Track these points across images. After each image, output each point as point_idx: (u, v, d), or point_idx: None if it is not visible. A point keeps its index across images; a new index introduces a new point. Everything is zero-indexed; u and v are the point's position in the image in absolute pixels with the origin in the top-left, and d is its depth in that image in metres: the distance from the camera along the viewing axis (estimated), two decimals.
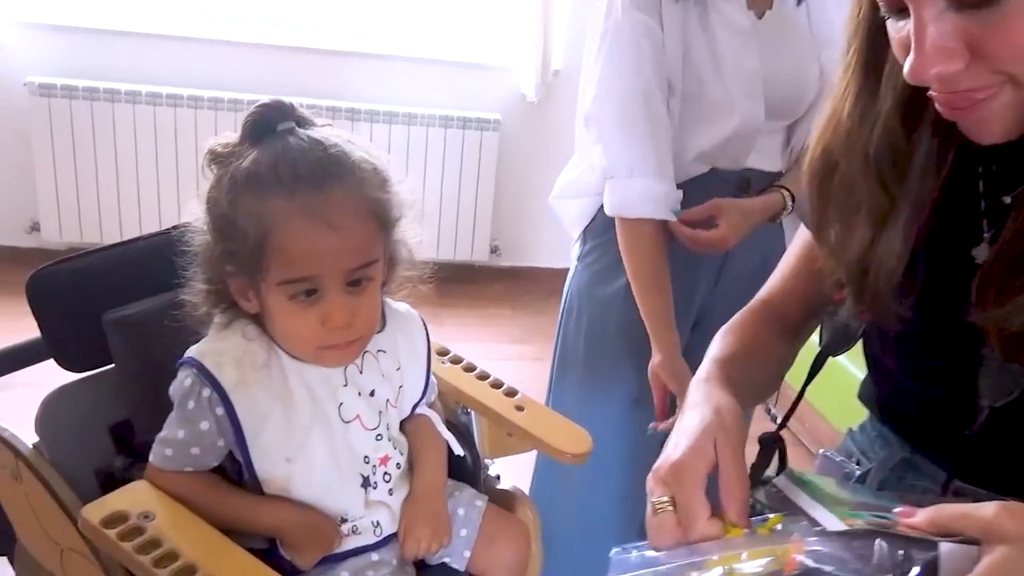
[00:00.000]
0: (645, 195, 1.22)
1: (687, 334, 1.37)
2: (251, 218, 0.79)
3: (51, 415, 0.93)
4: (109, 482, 0.93)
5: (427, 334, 0.97)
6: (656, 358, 1.28)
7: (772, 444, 0.77)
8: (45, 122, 2.94)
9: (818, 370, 0.80)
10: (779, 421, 0.82)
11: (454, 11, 3.24)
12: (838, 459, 0.80)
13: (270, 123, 0.82)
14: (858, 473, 0.78)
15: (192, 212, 0.86)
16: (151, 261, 0.96)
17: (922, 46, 0.56)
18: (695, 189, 1.27)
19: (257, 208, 0.79)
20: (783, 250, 1.32)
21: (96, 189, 3.04)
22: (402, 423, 0.95)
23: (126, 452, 0.95)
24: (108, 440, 0.96)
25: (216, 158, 0.84)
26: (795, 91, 1.27)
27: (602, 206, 1.31)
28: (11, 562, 1.04)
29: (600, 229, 1.35)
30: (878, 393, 0.79)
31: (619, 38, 1.21)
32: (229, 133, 0.86)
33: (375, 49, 3.17)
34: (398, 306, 0.96)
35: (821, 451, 0.82)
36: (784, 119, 1.30)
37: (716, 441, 0.64)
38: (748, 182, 1.29)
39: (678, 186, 1.25)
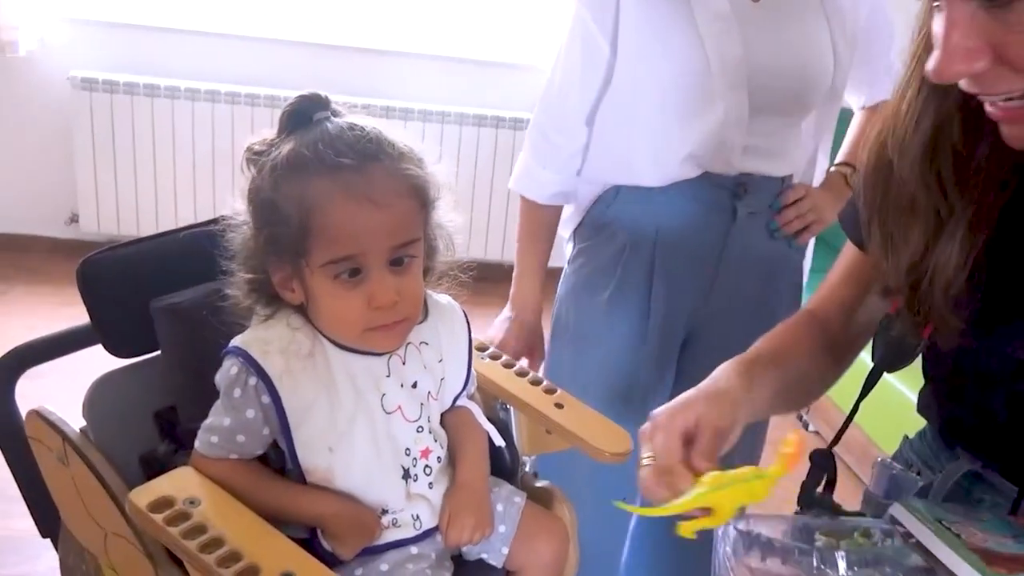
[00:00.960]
0: (540, 181, 1.28)
1: (675, 351, 1.29)
2: (293, 200, 0.80)
3: (98, 400, 0.94)
4: (153, 468, 0.94)
5: (468, 326, 0.97)
6: (512, 323, 1.32)
7: (825, 462, 0.76)
8: (87, 116, 2.99)
9: (872, 386, 0.78)
10: (831, 439, 0.80)
11: (489, 11, 3.25)
12: (896, 469, 0.78)
13: (307, 113, 0.84)
14: (920, 484, 0.76)
15: (232, 207, 0.87)
16: (199, 250, 0.96)
17: (948, 44, 0.56)
18: (687, 196, 1.20)
19: (299, 190, 0.80)
20: (797, 269, 1.29)
21: (135, 182, 3.09)
22: (442, 415, 0.95)
23: (170, 439, 0.96)
24: (152, 426, 0.97)
25: (254, 155, 0.86)
26: (796, 82, 1.17)
27: (590, 209, 1.28)
28: (55, 545, 1.05)
29: (588, 232, 1.30)
30: (939, 409, 0.77)
31: (570, 31, 1.21)
32: (267, 131, 0.87)
33: (410, 48, 3.19)
34: (440, 298, 0.96)
35: (879, 459, 0.79)
36: (786, 115, 1.19)
37: (699, 413, 0.68)
38: (745, 188, 1.19)
39: (665, 189, 1.20)
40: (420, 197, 0.84)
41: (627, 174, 1.22)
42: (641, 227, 1.22)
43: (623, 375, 1.26)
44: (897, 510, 0.65)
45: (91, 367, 0.98)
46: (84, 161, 3.05)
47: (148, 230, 3.09)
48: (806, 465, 0.77)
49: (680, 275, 1.23)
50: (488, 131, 3.17)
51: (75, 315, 1.04)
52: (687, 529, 0.66)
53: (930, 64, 0.58)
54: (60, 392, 1.02)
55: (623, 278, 1.24)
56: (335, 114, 0.85)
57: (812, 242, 1.34)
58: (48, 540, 1.07)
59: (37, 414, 0.93)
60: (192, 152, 3.06)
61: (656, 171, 1.19)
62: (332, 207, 0.79)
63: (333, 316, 0.84)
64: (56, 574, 1.69)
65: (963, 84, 0.59)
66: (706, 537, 0.70)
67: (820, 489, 0.76)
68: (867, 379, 0.78)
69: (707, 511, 0.65)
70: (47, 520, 1.04)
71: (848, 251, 0.84)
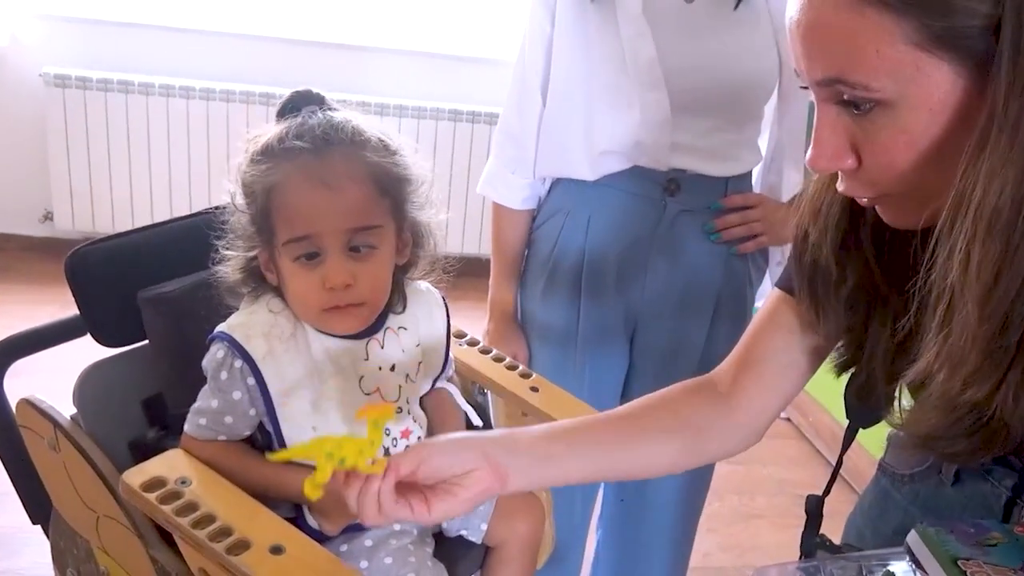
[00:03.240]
0: (510, 186, 1.29)
1: (619, 343, 1.29)
2: (260, 182, 0.85)
3: (87, 388, 0.97)
4: (142, 453, 0.97)
5: (447, 310, 1.01)
6: (489, 325, 1.34)
7: (818, 510, 0.80)
8: (59, 112, 2.97)
9: (850, 443, 0.80)
10: (823, 489, 0.82)
11: (464, 6, 3.28)
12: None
13: (297, 107, 0.88)
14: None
15: (227, 191, 0.91)
16: (184, 242, 1.00)
17: (818, 140, 0.61)
18: (618, 188, 1.21)
19: (264, 172, 0.85)
20: (740, 275, 1.25)
21: (109, 179, 3.08)
22: (422, 398, 0.99)
23: (159, 425, 0.99)
24: (141, 413, 1.00)
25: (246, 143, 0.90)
26: (723, 85, 1.15)
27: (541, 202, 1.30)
28: (46, 532, 1.08)
29: (535, 224, 1.32)
30: None
31: (528, 31, 1.23)
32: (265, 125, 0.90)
33: (385, 43, 3.20)
34: (418, 284, 0.99)
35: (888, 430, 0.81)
36: (719, 116, 1.17)
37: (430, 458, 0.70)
38: (677, 184, 1.19)
39: (598, 182, 1.21)
40: (380, 183, 0.87)
41: (564, 167, 1.24)
42: (575, 217, 1.24)
43: (562, 366, 1.28)
44: (913, 541, 0.66)
45: (75, 362, 1.00)
46: (58, 158, 3.03)
47: (124, 228, 3.09)
48: (801, 516, 0.81)
49: (609, 265, 1.23)
50: (464, 126, 3.20)
51: (52, 313, 1.07)
52: (307, 487, 0.69)
53: (806, 156, 0.63)
54: (45, 386, 1.03)
55: (556, 266, 1.27)
56: (328, 110, 0.89)
57: (778, 253, 1.30)
58: (30, 536, 1.09)
59: (28, 403, 0.96)
60: (167, 149, 3.06)
61: (585, 164, 1.21)
62: (288, 187, 0.84)
63: (295, 296, 0.88)
64: (39, 569, 1.71)
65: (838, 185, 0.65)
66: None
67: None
68: (845, 436, 0.81)
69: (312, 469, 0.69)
70: (38, 507, 1.06)
71: (772, 300, 0.83)
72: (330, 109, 0.89)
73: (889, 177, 0.61)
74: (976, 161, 0.55)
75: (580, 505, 1.38)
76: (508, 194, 1.30)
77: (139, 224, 1.05)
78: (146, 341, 1.01)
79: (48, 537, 1.07)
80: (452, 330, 1.05)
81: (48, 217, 3.15)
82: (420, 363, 0.97)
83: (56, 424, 0.93)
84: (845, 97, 0.59)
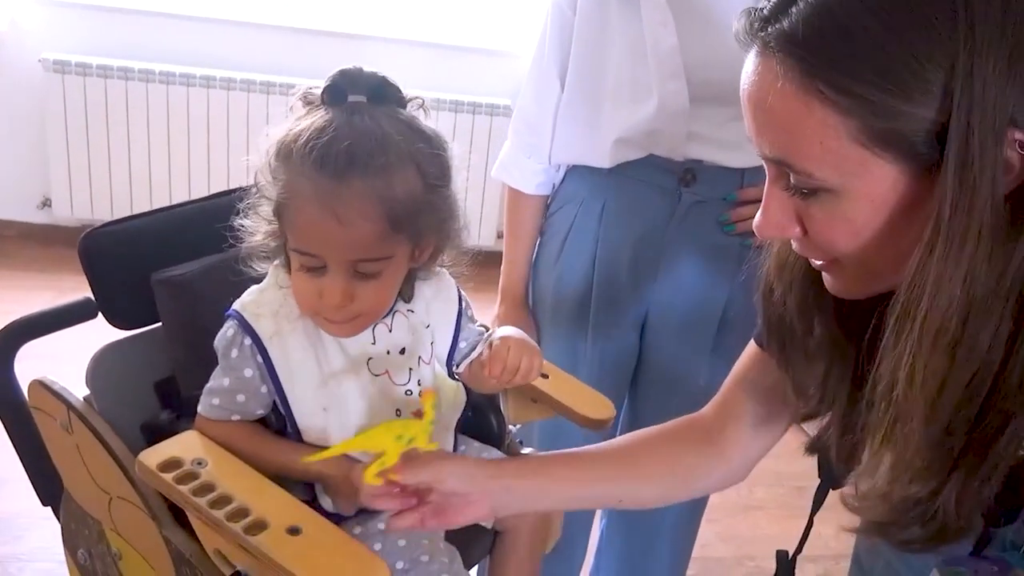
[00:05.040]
0: (525, 171, 1.29)
1: (630, 331, 1.29)
2: (278, 184, 0.82)
3: (101, 370, 0.97)
4: (154, 436, 0.96)
5: (459, 292, 0.99)
6: (499, 309, 1.35)
7: (788, 568, 0.84)
8: (59, 99, 2.95)
9: (821, 503, 0.83)
10: (794, 548, 0.86)
11: None
12: None
13: (342, 91, 0.83)
14: None
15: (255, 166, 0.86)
16: (197, 224, 1.00)
17: (765, 212, 0.64)
18: (632, 176, 1.21)
19: (284, 177, 0.82)
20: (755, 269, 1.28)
21: (108, 166, 3.06)
22: (462, 375, 1.00)
23: (171, 407, 0.99)
24: (153, 395, 1.00)
25: (306, 102, 0.85)
26: (738, 75, 1.17)
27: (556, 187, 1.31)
28: (55, 513, 1.08)
29: (548, 211, 1.33)
30: None
31: (549, 17, 1.22)
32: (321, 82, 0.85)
33: (387, 33, 3.19)
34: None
35: None
36: (736, 106, 1.19)
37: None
38: (693, 174, 1.18)
39: (613, 170, 1.21)
40: (394, 221, 0.82)
41: (580, 154, 1.25)
42: (589, 204, 1.25)
43: (573, 353, 1.28)
44: None
45: (83, 346, 0.99)
46: (56, 145, 3.01)
47: (122, 215, 3.06)
48: (799, 507, 0.84)
49: (623, 252, 1.24)
50: (465, 117, 3.20)
51: (50, 300, 1.07)
52: (370, 475, 0.76)
53: (754, 223, 0.66)
54: (52, 370, 1.02)
55: (570, 251, 1.27)
56: (376, 97, 0.83)
57: None
58: (32, 522, 1.09)
59: (41, 384, 0.96)
60: (167, 136, 3.04)
61: (601, 152, 1.21)
62: (301, 208, 0.81)
63: (296, 291, 0.87)
64: (42, 554, 1.71)
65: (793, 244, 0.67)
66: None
67: None
68: (816, 495, 0.83)
69: (379, 455, 0.77)
70: (48, 489, 1.06)
71: (748, 354, 0.86)
72: (381, 100, 0.84)
73: (834, 253, 0.63)
74: (923, 269, 0.55)
75: None
76: (522, 179, 1.30)
77: (138, 211, 1.04)
78: (158, 323, 1.01)
79: (59, 519, 1.07)
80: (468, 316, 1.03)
81: (46, 204, 3.13)
82: (432, 343, 0.97)
83: (70, 405, 0.93)
84: (791, 179, 0.60)
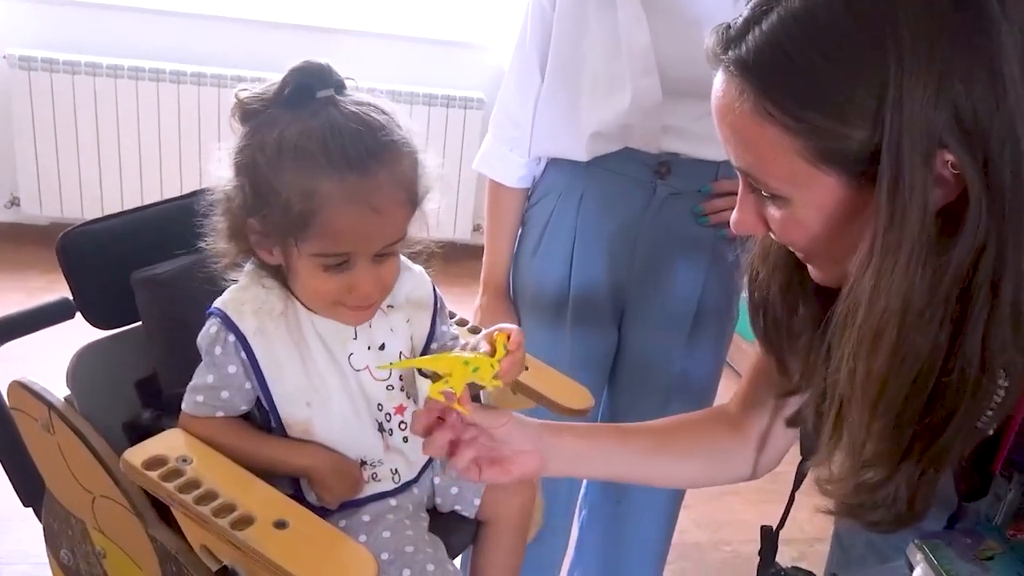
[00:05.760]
0: (507, 164, 1.31)
1: (613, 326, 1.32)
2: (298, 193, 0.81)
3: (81, 369, 0.97)
4: (137, 434, 0.97)
5: (433, 286, 1.01)
6: (482, 300, 1.36)
7: (772, 541, 0.87)
8: (25, 95, 2.91)
9: (802, 480, 0.86)
10: (778, 522, 0.89)
11: None
12: None
13: (311, 89, 0.83)
14: None
15: (218, 163, 0.86)
16: (176, 223, 0.99)
17: (738, 210, 0.71)
18: (608, 169, 1.23)
19: (306, 185, 0.80)
20: (729, 260, 1.29)
21: (77, 163, 3.02)
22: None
23: (153, 406, 1.00)
24: (134, 394, 1.01)
25: (247, 113, 0.84)
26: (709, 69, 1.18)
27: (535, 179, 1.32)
28: (37, 514, 1.08)
29: (528, 203, 1.35)
30: None
31: (529, 14, 1.25)
32: (255, 84, 0.85)
33: (360, 26, 3.18)
34: (406, 262, 1.00)
35: None
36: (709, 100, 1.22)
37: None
38: (668, 167, 1.21)
39: (591, 163, 1.23)
40: (414, 202, 0.87)
41: (559, 147, 1.27)
42: (567, 196, 1.27)
43: (553, 342, 1.30)
44: (913, 556, 0.68)
45: (59, 346, 0.98)
46: (24, 142, 2.96)
47: (93, 212, 3.06)
48: (772, 491, 0.91)
49: (600, 244, 1.26)
50: (439, 110, 3.20)
51: (19, 301, 1.06)
52: (434, 390, 0.77)
53: (731, 220, 0.73)
54: (26, 371, 1.00)
55: (548, 242, 1.29)
56: (339, 89, 0.84)
57: None
58: (9, 524, 1.09)
59: (21, 385, 0.96)
60: (137, 132, 3.01)
61: (578, 145, 1.23)
62: (338, 212, 0.81)
63: (309, 290, 0.88)
64: (18, 556, 1.70)
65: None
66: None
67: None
68: (797, 471, 0.86)
69: (443, 377, 0.77)
70: (29, 489, 1.06)
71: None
72: (341, 89, 0.84)
73: (795, 249, 0.70)
74: (862, 278, 0.60)
75: (567, 482, 1.41)
76: (504, 172, 1.32)
77: (108, 208, 1.04)
78: (138, 323, 1.01)
79: (40, 519, 1.07)
80: (446, 313, 1.05)
81: (14, 202, 3.08)
82: (411, 336, 0.98)
83: (51, 406, 0.93)
84: (753, 185, 0.67)
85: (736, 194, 1.22)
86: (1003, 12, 0.56)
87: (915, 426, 0.63)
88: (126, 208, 1.06)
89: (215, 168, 0.87)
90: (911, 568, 0.68)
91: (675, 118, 1.18)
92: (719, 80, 0.66)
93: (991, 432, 0.66)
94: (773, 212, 0.67)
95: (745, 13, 0.63)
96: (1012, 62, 0.55)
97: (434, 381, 0.78)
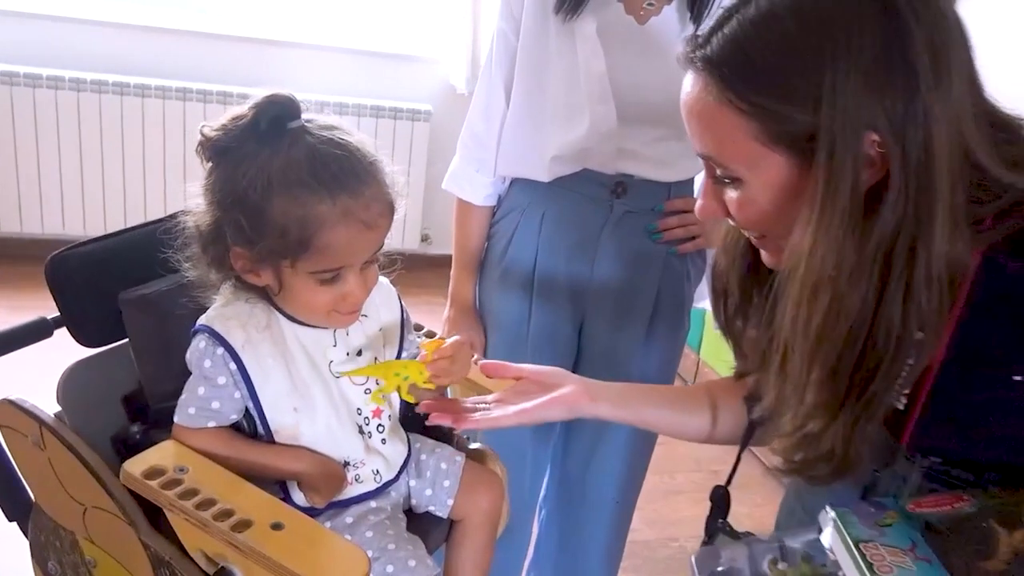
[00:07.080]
0: (474, 184, 1.39)
1: (573, 337, 1.40)
2: (295, 220, 0.86)
3: (71, 386, 1.00)
4: (125, 448, 1.02)
5: (400, 300, 1.08)
6: (449, 312, 1.45)
7: (723, 500, 0.98)
8: (7, 111, 2.88)
9: (748, 440, 0.98)
10: (727, 478, 1.00)
11: (386, 2, 3.32)
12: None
13: (282, 120, 0.88)
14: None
15: (192, 196, 0.91)
16: (161, 244, 1.04)
17: (702, 195, 0.82)
18: (568, 188, 1.32)
19: (302, 211, 0.86)
20: (679, 274, 1.37)
21: (38, 178, 2.98)
22: None
23: (140, 420, 1.04)
24: (122, 409, 1.05)
25: (218, 150, 0.89)
26: (663, 97, 1.18)
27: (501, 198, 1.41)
28: (22, 528, 1.10)
29: (492, 220, 1.42)
30: None
31: (495, 43, 1.33)
32: (214, 121, 0.89)
33: (307, 39, 3.22)
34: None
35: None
36: (664, 127, 1.27)
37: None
38: (624, 187, 1.31)
39: (552, 183, 1.32)
40: (393, 212, 0.94)
41: (522, 168, 1.36)
42: (530, 213, 1.36)
43: (515, 354, 1.34)
44: (824, 521, 0.78)
45: (38, 363, 1.00)
46: (4, 159, 2.91)
47: (54, 227, 3.00)
48: (706, 502, 1.00)
49: (559, 259, 1.35)
50: (386, 122, 3.25)
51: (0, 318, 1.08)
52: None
53: (695, 207, 0.85)
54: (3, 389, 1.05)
55: (513, 254, 1.38)
56: (312, 122, 0.90)
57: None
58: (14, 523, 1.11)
59: (10, 403, 0.99)
60: (100, 146, 2.98)
61: (540, 166, 1.32)
62: (334, 231, 0.87)
63: (304, 303, 0.94)
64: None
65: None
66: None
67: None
68: (743, 435, 0.98)
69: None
70: (15, 504, 1.09)
71: None
72: (309, 119, 0.90)
73: (749, 228, 0.82)
74: (803, 238, 0.72)
75: (529, 483, 1.49)
76: (472, 191, 1.40)
77: (90, 224, 1.07)
78: (124, 340, 1.05)
79: (25, 534, 1.10)
80: (411, 323, 1.12)
81: None
82: (384, 345, 1.04)
83: (42, 423, 0.97)
84: (716, 172, 0.78)
85: (687, 212, 1.35)
86: (915, 16, 0.68)
87: (849, 377, 0.74)
88: (108, 224, 1.10)
89: (195, 200, 0.92)
90: (819, 531, 0.79)
91: (630, 142, 1.28)
92: (688, 79, 0.77)
93: (901, 407, 0.79)
94: (731, 194, 0.78)
95: (711, 22, 0.76)
96: (924, 58, 0.67)
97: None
